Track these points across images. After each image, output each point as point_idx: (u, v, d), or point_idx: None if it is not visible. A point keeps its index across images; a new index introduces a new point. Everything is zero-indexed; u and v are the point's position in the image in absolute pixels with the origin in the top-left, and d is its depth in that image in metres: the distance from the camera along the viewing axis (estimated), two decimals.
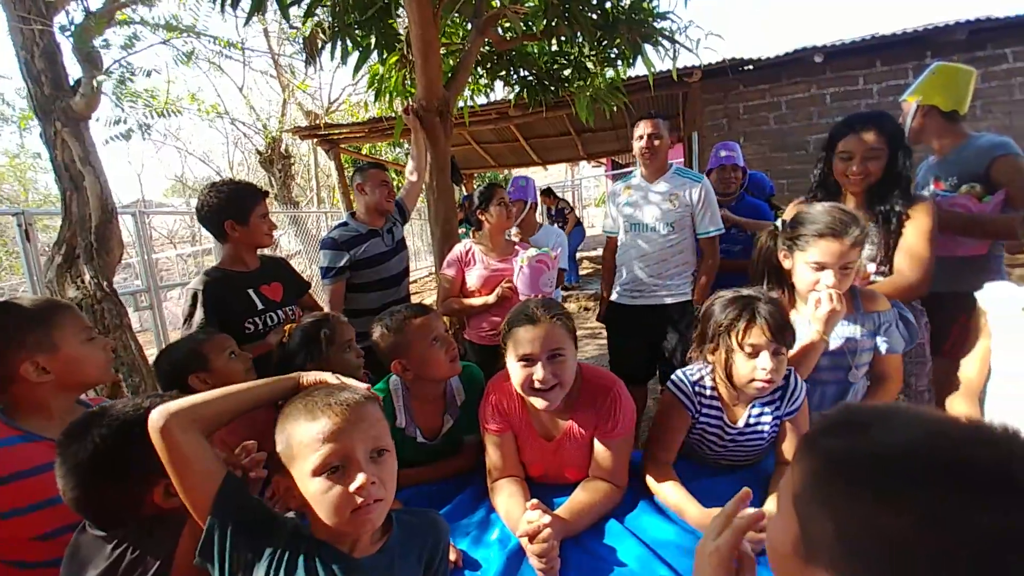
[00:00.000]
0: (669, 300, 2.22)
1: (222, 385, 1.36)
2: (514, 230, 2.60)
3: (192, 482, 0.73)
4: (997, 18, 4.32)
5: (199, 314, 1.68)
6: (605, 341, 2.60)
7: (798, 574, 0.45)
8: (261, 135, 9.64)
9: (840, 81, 4.99)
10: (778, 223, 1.40)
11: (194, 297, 1.71)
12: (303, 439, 0.72)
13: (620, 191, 2.38)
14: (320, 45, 2.90)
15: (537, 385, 1.10)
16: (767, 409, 1.22)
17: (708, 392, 1.25)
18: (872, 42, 4.77)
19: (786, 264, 1.36)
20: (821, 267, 1.25)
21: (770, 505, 1.05)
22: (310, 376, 0.90)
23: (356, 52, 2.80)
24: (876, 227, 1.51)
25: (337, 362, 1.44)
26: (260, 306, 1.81)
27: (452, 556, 1.02)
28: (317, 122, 7.59)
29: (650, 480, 1.19)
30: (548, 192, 7.49)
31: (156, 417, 0.73)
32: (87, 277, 2.79)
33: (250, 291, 1.80)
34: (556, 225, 6.46)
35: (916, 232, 1.48)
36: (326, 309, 2.08)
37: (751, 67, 5.11)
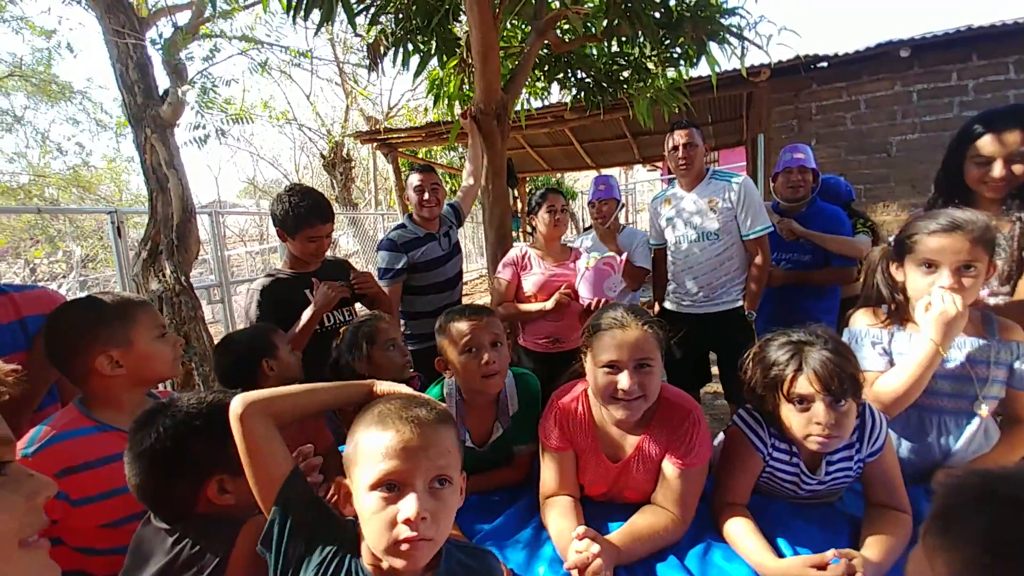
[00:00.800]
0: (718, 309, 2.17)
1: (284, 374, 1.43)
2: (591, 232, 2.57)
3: (263, 470, 0.76)
4: None
5: (253, 314, 1.77)
6: None
7: None
8: (325, 140, 10.12)
9: (929, 77, 4.56)
10: (891, 239, 1.25)
11: (253, 297, 1.80)
12: (367, 448, 0.69)
13: (661, 204, 2.35)
14: (383, 51, 2.98)
15: (621, 395, 1.04)
16: (846, 453, 1.08)
17: (782, 437, 1.12)
18: (968, 33, 4.33)
19: (898, 277, 1.21)
20: (933, 266, 1.11)
21: (868, 552, 0.94)
22: (383, 386, 0.90)
23: (417, 56, 2.85)
24: (1007, 237, 1.28)
25: (379, 361, 1.45)
26: None
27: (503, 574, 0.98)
28: (377, 127, 7.86)
29: (724, 526, 1.07)
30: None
31: (237, 405, 0.77)
32: (168, 271, 3.00)
33: (308, 292, 1.85)
34: None
35: None
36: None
37: (826, 64, 4.78)
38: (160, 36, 2.94)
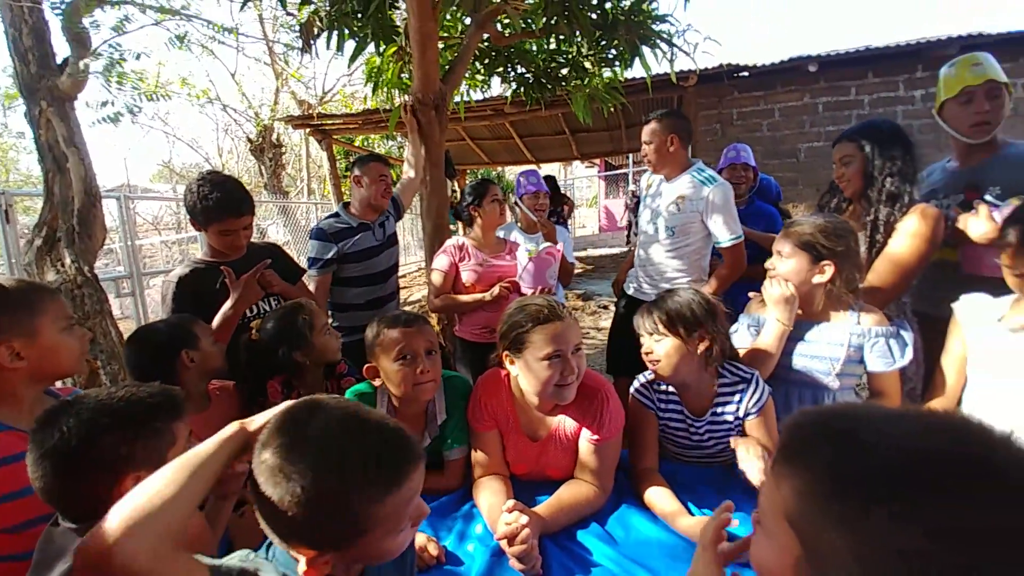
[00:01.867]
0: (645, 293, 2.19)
1: (205, 366, 1.37)
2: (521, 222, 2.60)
3: None
4: (989, 34, 4.41)
5: (169, 305, 1.67)
6: (594, 341, 2.65)
7: None
8: (252, 123, 9.51)
9: (833, 91, 5.05)
10: None
11: (169, 287, 1.70)
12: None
13: (646, 188, 2.32)
14: (316, 33, 2.86)
15: (570, 380, 1.11)
16: (730, 400, 1.25)
17: (669, 392, 1.31)
18: (866, 53, 4.83)
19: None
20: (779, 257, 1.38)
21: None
22: (259, 420, 0.74)
23: (352, 41, 2.76)
24: (863, 236, 1.52)
25: (322, 346, 1.42)
26: None
27: (434, 551, 1.02)
28: (310, 112, 7.50)
29: (641, 490, 1.19)
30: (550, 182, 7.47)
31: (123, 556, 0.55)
32: (68, 261, 2.72)
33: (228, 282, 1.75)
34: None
35: (901, 236, 1.46)
36: None
37: (746, 73, 5.14)
38: (62, 1, 2.64)
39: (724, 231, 2.00)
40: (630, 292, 2.32)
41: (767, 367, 1.34)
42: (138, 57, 3.43)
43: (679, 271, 2.12)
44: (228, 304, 1.63)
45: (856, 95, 5.01)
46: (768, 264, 1.41)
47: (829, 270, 1.29)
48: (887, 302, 1.50)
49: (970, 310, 1.25)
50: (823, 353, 1.34)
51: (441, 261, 2.16)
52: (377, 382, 1.27)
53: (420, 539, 1.04)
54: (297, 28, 2.93)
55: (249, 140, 9.14)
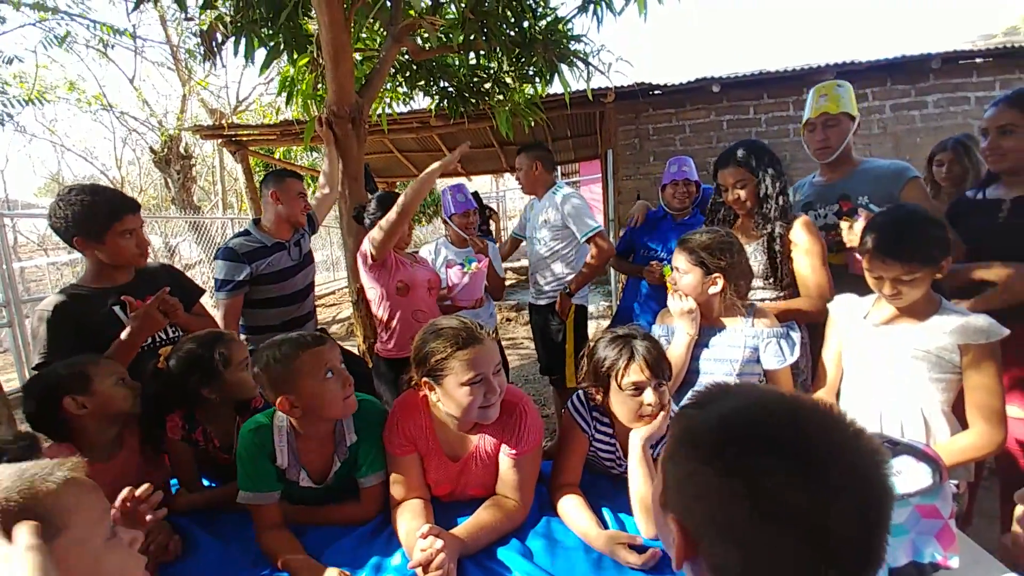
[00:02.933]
0: (543, 302, 2.63)
1: (109, 410, 1.23)
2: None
3: None
4: (860, 61, 5.02)
5: (42, 340, 1.47)
6: (525, 351, 2.83)
7: (661, 518, 0.55)
8: (156, 132, 8.76)
9: (735, 110, 5.51)
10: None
11: (42, 319, 1.49)
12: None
13: (528, 210, 2.80)
14: (221, 40, 2.70)
15: (492, 400, 1.10)
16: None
17: (603, 420, 1.29)
18: (760, 77, 5.32)
19: None
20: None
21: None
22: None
23: (263, 50, 2.63)
24: (760, 247, 1.68)
25: (235, 383, 1.32)
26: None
27: None
28: (223, 121, 7.04)
29: (558, 504, 1.19)
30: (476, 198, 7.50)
31: None
32: None
33: (116, 308, 1.56)
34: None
35: (803, 256, 1.61)
36: (219, 323, 1.91)
37: (659, 92, 5.49)
38: None
39: (579, 228, 2.43)
40: (530, 300, 2.75)
41: (678, 375, 1.42)
42: (10, 62, 3.05)
43: (558, 272, 2.58)
44: (125, 334, 1.46)
45: (754, 114, 5.50)
46: (670, 280, 1.52)
47: (720, 282, 1.41)
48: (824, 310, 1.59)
49: (841, 308, 1.40)
50: (724, 356, 1.44)
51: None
52: (277, 421, 1.20)
53: (332, 574, 0.98)
54: (199, 34, 2.75)
55: (152, 151, 8.41)
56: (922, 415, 1.21)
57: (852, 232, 1.55)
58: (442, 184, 6.31)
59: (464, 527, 1.08)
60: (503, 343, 3.02)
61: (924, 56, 5.00)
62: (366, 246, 2.00)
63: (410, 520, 1.10)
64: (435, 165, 1.94)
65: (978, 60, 5.13)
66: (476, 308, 2.33)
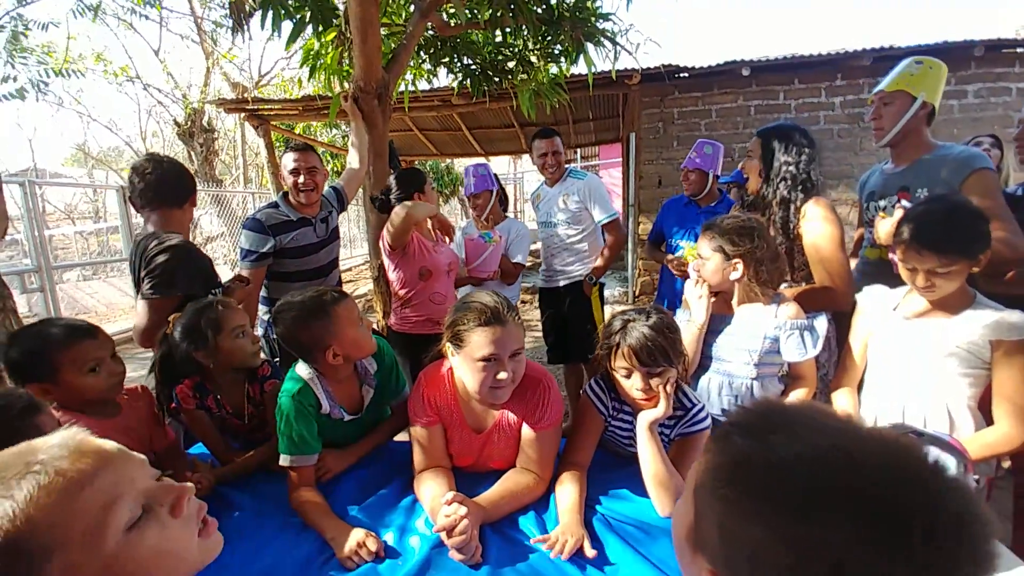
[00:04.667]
0: (564, 282, 2.65)
1: (69, 400, 1.20)
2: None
3: None
4: (899, 47, 4.83)
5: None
6: (539, 333, 2.89)
7: (689, 558, 0.47)
8: (180, 105, 8.85)
9: (764, 95, 5.35)
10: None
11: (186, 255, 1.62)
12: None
13: (535, 198, 2.80)
14: (249, 11, 2.70)
15: (502, 384, 1.10)
16: (667, 421, 1.23)
17: (622, 399, 1.28)
18: (792, 61, 5.15)
19: None
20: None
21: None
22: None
23: (289, 22, 2.63)
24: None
25: (228, 349, 1.36)
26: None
27: (373, 547, 1.01)
28: (245, 95, 7.08)
29: (557, 481, 1.19)
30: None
31: None
32: None
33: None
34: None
35: (821, 241, 1.54)
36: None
37: (686, 75, 5.36)
38: None
39: (599, 212, 2.53)
40: (540, 285, 2.81)
41: (691, 362, 1.41)
42: (45, 28, 3.10)
43: (578, 252, 2.62)
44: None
45: (784, 99, 5.34)
46: (695, 265, 1.51)
47: (740, 267, 1.40)
48: (847, 295, 1.51)
49: (871, 300, 1.38)
50: (743, 345, 1.43)
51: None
52: (306, 374, 1.28)
53: (358, 535, 1.03)
54: (226, 5, 2.76)
55: (176, 123, 8.50)
56: (947, 409, 1.20)
57: (881, 225, 1.48)
58: (467, 163, 6.29)
59: (486, 496, 1.11)
60: None
61: (966, 43, 4.80)
62: (385, 235, 2.05)
63: (433, 487, 1.14)
64: (427, 210, 2.11)
65: (1021, 50, 4.90)
66: (493, 280, 2.51)
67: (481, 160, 7.46)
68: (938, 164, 1.57)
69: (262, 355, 1.49)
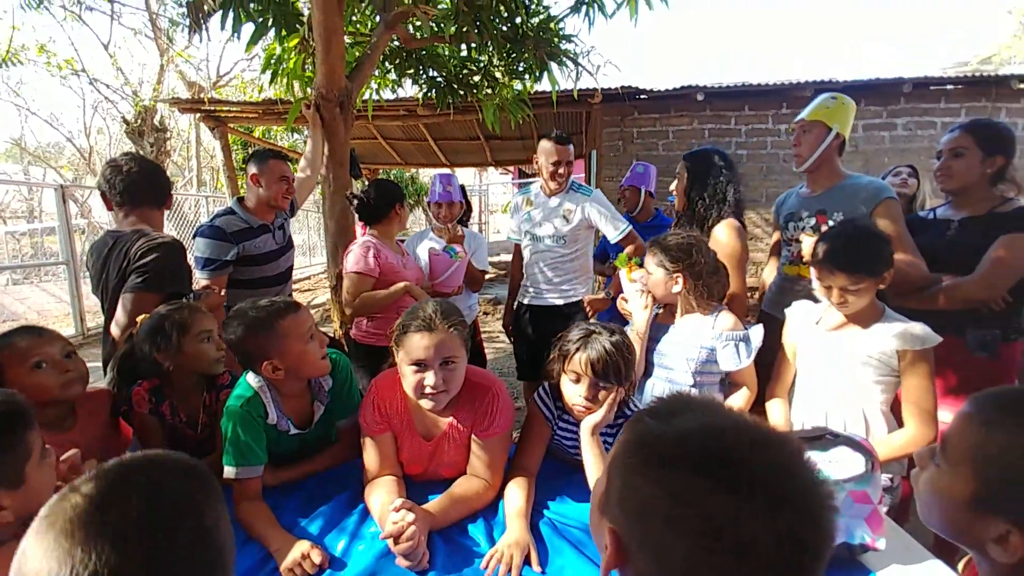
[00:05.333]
0: (560, 302, 2.38)
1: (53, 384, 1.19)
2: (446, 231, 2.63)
3: None
4: (838, 80, 5.23)
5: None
6: (502, 345, 2.75)
7: (597, 522, 0.54)
8: (130, 102, 8.47)
9: (716, 119, 5.65)
10: None
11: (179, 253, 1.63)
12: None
13: (522, 204, 2.48)
14: (208, 12, 2.65)
15: (428, 391, 1.13)
16: (611, 431, 1.30)
17: (562, 404, 1.32)
18: (742, 88, 5.47)
19: None
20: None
21: None
22: None
23: (251, 25, 2.60)
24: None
25: (192, 354, 1.33)
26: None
27: (317, 559, 1.00)
28: (201, 96, 6.85)
29: (506, 486, 1.23)
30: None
31: None
32: None
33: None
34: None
35: (726, 260, 1.66)
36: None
37: (645, 96, 5.59)
38: None
39: (612, 229, 2.25)
40: (526, 300, 2.49)
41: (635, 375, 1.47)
42: None
43: (574, 272, 2.38)
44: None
45: (735, 124, 5.65)
46: (639, 277, 1.62)
47: (680, 281, 1.50)
48: (744, 301, 1.75)
49: (797, 314, 1.50)
50: (683, 353, 1.51)
51: (366, 263, 2.02)
52: (256, 384, 1.24)
53: (302, 547, 1.02)
54: (183, 4, 2.69)
55: (125, 121, 8.11)
56: (863, 414, 1.31)
57: (804, 244, 1.62)
58: (432, 173, 6.29)
59: (435, 503, 1.13)
60: (482, 337, 3.05)
61: (897, 80, 5.23)
62: (345, 285, 2.05)
63: (383, 495, 1.15)
64: (402, 287, 2.03)
65: (947, 87, 5.39)
66: (457, 295, 2.41)
67: (447, 172, 7.48)
68: (851, 191, 1.74)
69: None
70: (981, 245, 1.55)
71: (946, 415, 1.44)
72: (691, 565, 0.41)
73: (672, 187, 2.00)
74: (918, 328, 1.24)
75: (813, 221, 1.81)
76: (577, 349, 1.22)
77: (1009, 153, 1.58)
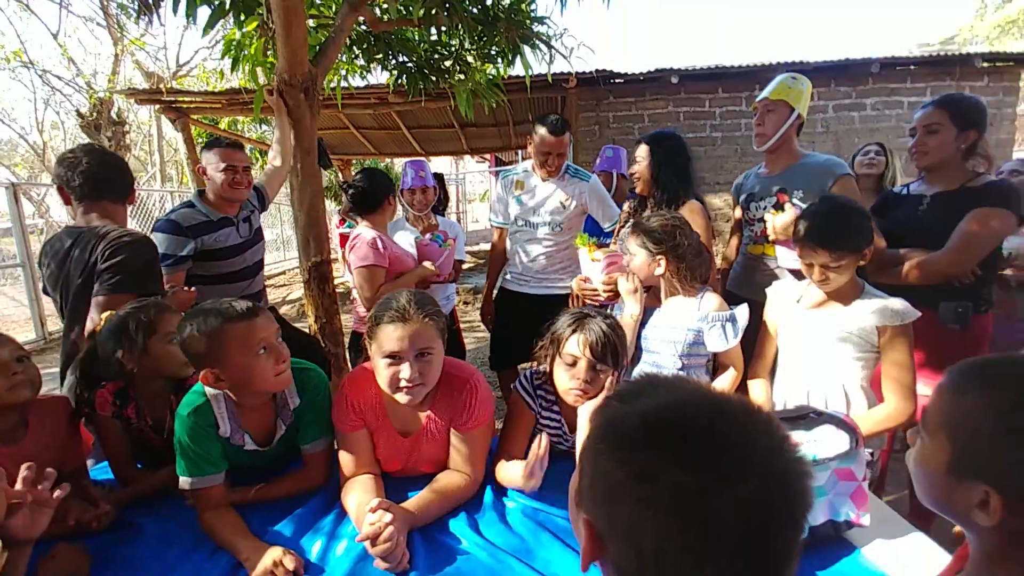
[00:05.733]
0: (546, 291, 2.33)
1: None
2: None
3: None
4: (808, 62, 5.27)
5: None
6: (481, 334, 2.70)
7: (575, 515, 0.52)
8: (84, 94, 8.06)
9: (691, 102, 5.65)
10: None
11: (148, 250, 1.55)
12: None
13: (511, 186, 2.40)
14: None
15: (403, 384, 1.08)
16: None
17: (549, 397, 1.32)
18: (715, 71, 5.48)
19: None
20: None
21: None
22: None
23: (207, 9, 2.45)
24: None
25: (159, 355, 1.25)
26: None
27: (291, 565, 0.95)
28: (160, 86, 6.55)
29: (497, 470, 1.22)
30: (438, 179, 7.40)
31: None
32: None
33: None
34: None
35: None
36: None
37: (620, 80, 5.55)
38: None
39: (604, 216, 2.27)
40: (511, 287, 2.42)
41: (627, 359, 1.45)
42: None
43: (567, 260, 2.33)
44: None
45: (709, 107, 5.66)
46: (624, 261, 1.58)
47: (663, 263, 1.47)
48: (715, 283, 1.76)
49: (778, 293, 1.50)
50: (669, 337, 1.50)
51: (377, 256, 1.98)
52: (210, 391, 1.15)
53: (275, 553, 0.97)
54: None
55: (80, 115, 7.72)
56: (844, 390, 1.32)
57: (779, 219, 1.63)
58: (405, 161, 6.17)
59: (414, 500, 1.09)
60: (461, 326, 3.01)
61: (865, 60, 5.30)
62: (358, 282, 2.00)
63: (360, 494, 1.10)
64: (420, 272, 2.07)
65: (913, 67, 5.49)
66: (451, 282, 2.40)
67: (420, 159, 7.36)
68: (809, 170, 1.80)
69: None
70: (952, 220, 1.56)
71: (923, 388, 1.46)
72: (662, 546, 0.40)
73: (633, 169, 1.94)
74: (898, 303, 1.24)
75: (774, 200, 1.83)
76: (573, 332, 1.20)
77: (981, 127, 1.59)
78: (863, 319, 1.27)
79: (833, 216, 1.27)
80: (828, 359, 1.33)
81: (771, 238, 1.66)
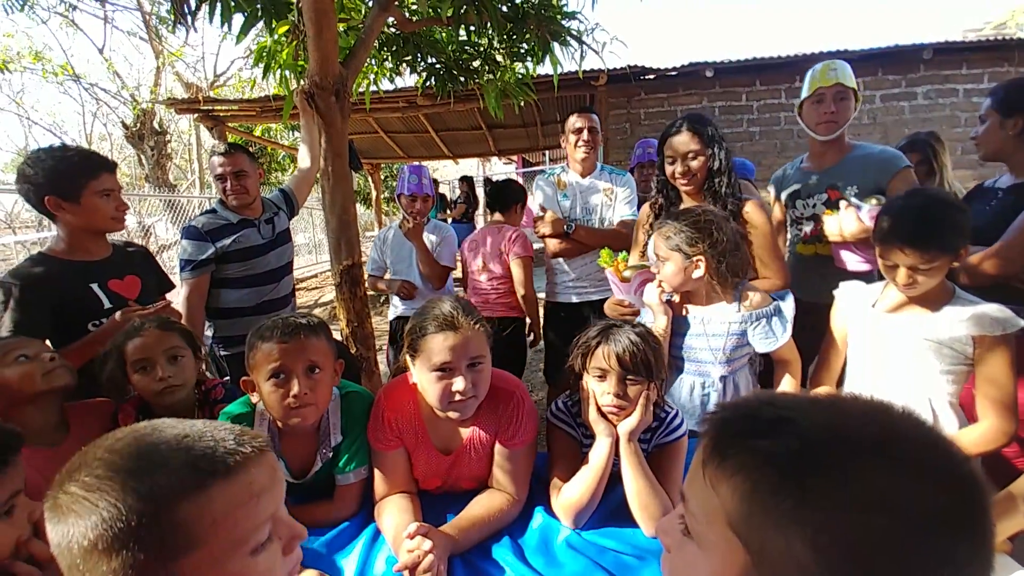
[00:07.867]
0: (598, 297, 2.24)
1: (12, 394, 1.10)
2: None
3: None
4: (852, 50, 4.99)
5: (9, 317, 1.34)
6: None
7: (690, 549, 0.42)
8: (128, 106, 8.40)
9: (727, 96, 5.44)
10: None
11: (5, 292, 1.36)
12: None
13: (551, 188, 2.34)
14: (195, 5, 2.52)
15: (457, 397, 1.00)
16: (645, 435, 1.15)
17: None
18: (753, 63, 5.25)
19: None
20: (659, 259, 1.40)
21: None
22: None
23: (240, 16, 2.47)
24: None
25: (133, 382, 1.23)
26: (108, 305, 1.51)
27: None
28: (199, 96, 6.75)
29: (555, 501, 1.10)
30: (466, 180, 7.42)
31: None
32: None
33: (94, 286, 1.49)
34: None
35: (769, 239, 1.55)
36: (182, 309, 1.80)
37: (651, 76, 5.39)
38: None
39: (629, 207, 2.21)
40: (574, 300, 2.30)
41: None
42: None
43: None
44: (101, 329, 1.41)
45: (746, 100, 5.44)
46: (653, 269, 1.43)
47: (702, 264, 1.31)
48: (787, 283, 1.55)
49: (849, 296, 1.35)
50: (710, 344, 1.37)
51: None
52: (255, 399, 1.10)
53: None
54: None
55: (125, 126, 8.04)
56: (930, 406, 1.18)
57: (847, 224, 1.48)
58: (435, 166, 6.19)
59: (455, 523, 1.01)
60: None
61: (916, 46, 4.99)
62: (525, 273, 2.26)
63: (397, 515, 1.03)
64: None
65: (968, 52, 5.14)
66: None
67: (422, 164, 7.40)
68: (862, 163, 1.65)
69: (209, 375, 1.35)
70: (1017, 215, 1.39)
71: None
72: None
73: (686, 166, 1.73)
74: (996, 310, 1.09)
75: (825, 197, 1.70)
76: (599, 343, 1.09)
77: None
78: (954, 327, 1.12)
79: (927, 212, 1.11)
80: (911, 371, 1.19)
81: (832, 241, 1.52)
